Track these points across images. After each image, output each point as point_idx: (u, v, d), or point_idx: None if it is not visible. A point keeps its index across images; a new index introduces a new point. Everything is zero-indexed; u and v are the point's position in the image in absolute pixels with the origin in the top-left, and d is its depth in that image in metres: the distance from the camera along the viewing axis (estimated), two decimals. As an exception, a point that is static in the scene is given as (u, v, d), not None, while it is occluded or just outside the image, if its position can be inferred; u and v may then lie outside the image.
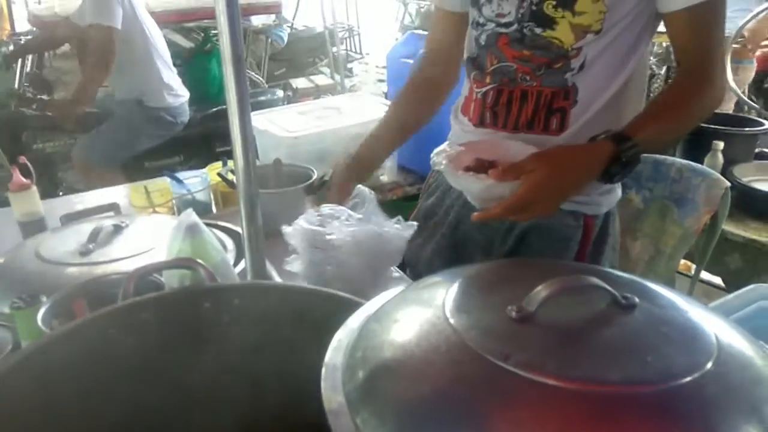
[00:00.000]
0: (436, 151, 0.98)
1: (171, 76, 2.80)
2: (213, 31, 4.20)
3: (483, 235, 1.12)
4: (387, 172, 2.29)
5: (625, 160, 0.86)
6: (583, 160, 0.87)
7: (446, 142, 1.04)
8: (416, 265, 1.24)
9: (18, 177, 1.29)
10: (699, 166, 1.65)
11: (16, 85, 3.01)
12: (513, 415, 0.43)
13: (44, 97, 2.95)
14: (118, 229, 1.13)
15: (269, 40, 4.55)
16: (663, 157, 1.70)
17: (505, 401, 0.44)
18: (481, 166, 0.93)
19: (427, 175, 1.34)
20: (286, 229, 1.05)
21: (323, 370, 0.56)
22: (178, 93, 2.81)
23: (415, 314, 0.57)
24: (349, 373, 0.54)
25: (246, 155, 0.86)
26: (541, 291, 0.51)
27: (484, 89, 1.05)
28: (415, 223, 1.07)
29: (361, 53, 6.33)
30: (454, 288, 0.57)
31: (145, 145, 2.80)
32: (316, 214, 1.05)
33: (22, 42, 3.21)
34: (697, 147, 2.10)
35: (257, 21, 4.67)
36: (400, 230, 1.06)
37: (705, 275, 2.19)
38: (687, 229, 1.59)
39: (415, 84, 1.23)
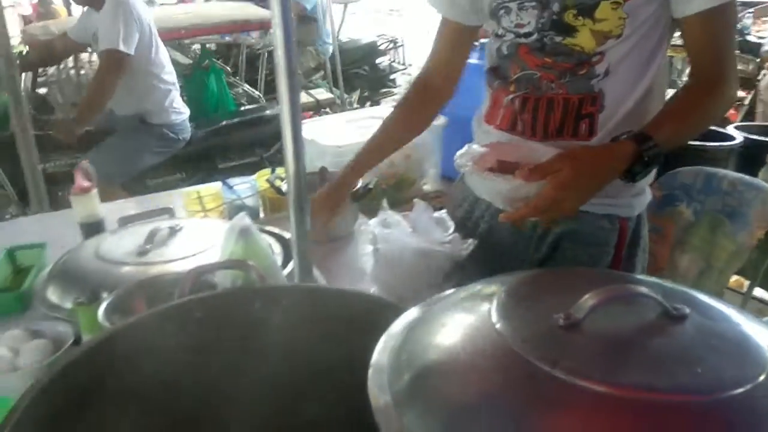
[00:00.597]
0: (459, 153, 0.98)
1: (174, 93, 2.80)
2: (246, 45, 4.20)
3: (516, 243, 1.12)
4: (430, 181, 2.30)
5: (647, 159, 0.87)
6: (607, 160, 0.89)
7: (469, 144, 1.04)
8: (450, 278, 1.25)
9: (80, 180, 1.36)
10: (753, 179, 1.60)
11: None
12: (560, 421, 0.43)
13: (45, 117, 2.88)
14: (173, 232, 1.18)
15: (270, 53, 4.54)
16: (715, 170, 1.66)
17: (551, 406, 0.44)
18: (504, 168, 0.94)
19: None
20: (362, 226, 1.14)
21: (370, 371, 0.57)
22: (180, 110, 2.82)
23: (461, 319, 0.57)
24: (396, 374, 0.55)
25: (297, 163, 0.89)
26: (589, 299, 0.51)
27: (510, 97, 1.06)
28: (472, 240, 1.08)
29: (404, 64, 6.36)
30: (500, 295, 0.58)
31: (148, 162, 2.79)
32: (385, 219, 1.11)
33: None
34: (751, 160, 2.04)
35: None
36: (448, 249, 1.07)
37: (758, 292, 2.11)
38: (740, 245, 1.54)
39: (410, 98, 1.26)
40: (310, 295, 0.79)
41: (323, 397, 0.73)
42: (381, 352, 0.60)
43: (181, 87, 3.08)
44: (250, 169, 2.19)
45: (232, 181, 1.58)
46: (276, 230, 1.30)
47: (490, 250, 1.16)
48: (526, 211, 0.87)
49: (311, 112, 4.01)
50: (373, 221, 1.15)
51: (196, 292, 0.77)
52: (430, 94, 1.23)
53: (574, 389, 0.44)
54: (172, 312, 0.72)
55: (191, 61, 4.07)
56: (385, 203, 1.21)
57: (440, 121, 2.07)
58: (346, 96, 4.74)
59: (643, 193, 1.09)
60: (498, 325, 0.52)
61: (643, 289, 0.52)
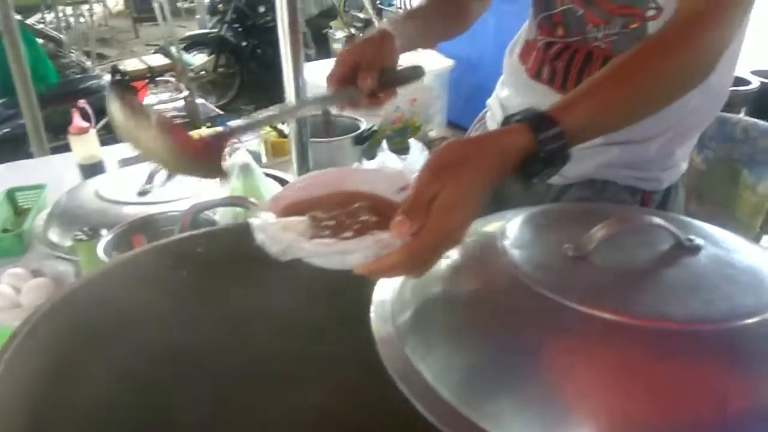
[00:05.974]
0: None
1: None
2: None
3: (530, 202, 1.03)
4: (436, 128, 2.26)
5: (544, 155, 0.55)
6: (492, 156, 0.55)
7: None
8: None
9: (78, 120, 1.33)
10: (768, 125, 1.55)
11: None
12: (567, 347, 0.42)
13: None
14: (173, 173, 1.16)
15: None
16: (728, 115, 1.60)
17: (558, 333, 0.43)
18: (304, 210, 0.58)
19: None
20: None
21: (372, 305, 0.56)
22: None
23: (466, 250, 0.56)
24: (399, 305, 0.54)
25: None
26: (599, 230, 0.49)
27: (548, 40, 0.92)
28: None
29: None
30: (511, 226, 0.56)
31: None
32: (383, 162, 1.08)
33: None
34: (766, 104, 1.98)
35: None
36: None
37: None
38: (762, 196, 1.50)
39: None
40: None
41: (325, 330, 0.72)
42: (383, 286, 0.59)
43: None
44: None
45: (234, 124, 1.55)
46: (278, 173, 1.28)
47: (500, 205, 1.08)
48: (402, 257, 0.49)
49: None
50: (369, 163, 1.13)
51: (196, 229, 0.76)
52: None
53: (582, 317, 0.43)
54: (171, 247, 0.71)
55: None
56: (384, 144, 1.19)
57: (447, 64, 2.02)
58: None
59: (677, 166, 0.93)
60: (506, 255, 0.51)
61: (656, 220, 0.50)
